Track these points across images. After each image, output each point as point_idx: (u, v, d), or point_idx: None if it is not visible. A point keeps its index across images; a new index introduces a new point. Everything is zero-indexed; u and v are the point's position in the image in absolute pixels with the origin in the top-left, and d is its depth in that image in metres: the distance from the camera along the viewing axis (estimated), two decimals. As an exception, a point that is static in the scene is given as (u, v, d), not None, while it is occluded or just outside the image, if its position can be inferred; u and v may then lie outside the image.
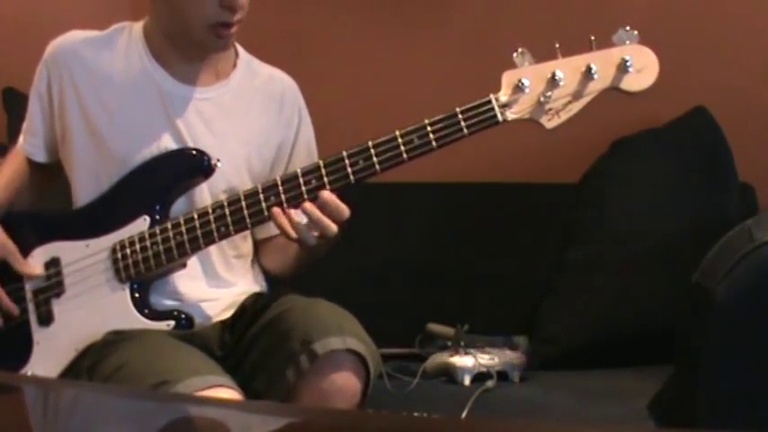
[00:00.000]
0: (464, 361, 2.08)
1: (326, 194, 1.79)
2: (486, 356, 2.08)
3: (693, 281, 1.74)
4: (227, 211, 1.84)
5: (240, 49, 2.05)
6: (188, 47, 1.95)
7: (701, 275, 1.73)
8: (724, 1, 2.53)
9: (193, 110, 1.96)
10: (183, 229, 1.86)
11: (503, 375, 2.08)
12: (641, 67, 1.75)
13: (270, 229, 2.00)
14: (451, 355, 2.10)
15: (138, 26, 2.01)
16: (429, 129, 1.77)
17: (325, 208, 1.79)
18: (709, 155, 2.33)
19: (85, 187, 1.96)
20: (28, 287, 1.95)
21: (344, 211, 1.79)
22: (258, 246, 2.07)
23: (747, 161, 2.35)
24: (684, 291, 1.79)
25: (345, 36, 2.77)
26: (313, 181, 1.80)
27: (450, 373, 2.09)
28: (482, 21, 2.68)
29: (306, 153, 2.05)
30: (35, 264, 1.95)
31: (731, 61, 2.50)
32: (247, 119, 2.00)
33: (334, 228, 1.79)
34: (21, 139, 2.06)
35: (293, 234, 1.80)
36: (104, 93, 1.95)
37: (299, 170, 1.82)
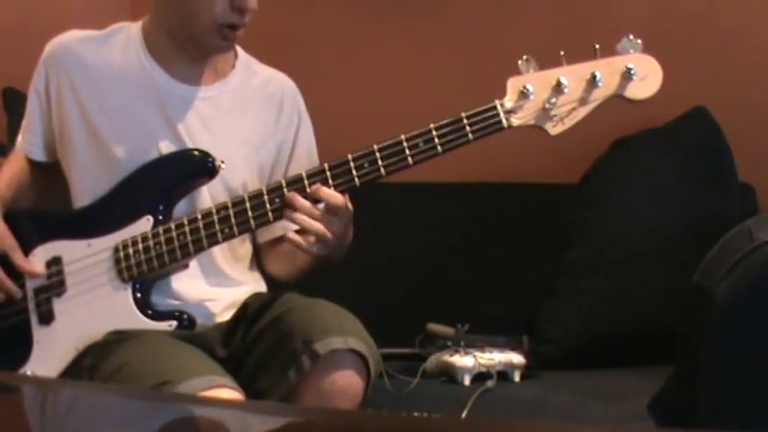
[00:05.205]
0: (464, 361, 2.08)
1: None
2: (486, 356, 2.08)
3: (693, 281, 1.74)
4: (231, 213, 1.84)
5: (239, 49, 2.04)
6: (189, 46, 1.95)
7: (701, 275, 1.73)
8: (724, 2, 2.53)
9: (191, 109, 1.95)
10: (187, 229, 1.86)
11: (503, 375, 2.07)
12: (645, 75, 1.77)
13: (273, 232, 1.99)
14: (451, 355, 2.10)
15: (136, 26, 2.01)
16: (434, 133, 1.78)
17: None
18: (709, 155, 2.33)
19: (83, 186, 1.96)
20: (29, 285, 1.95)
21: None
22: (261, 250, 2.06)
23: (747, 161, 2.35)
24: (684, 291, 1.79)
25: (347, 36, 2.77)
26: (318, 184, 1.80)
27: (450, 373, 2.09)
28: (486, 22, 2.68)
29: (307, 155, 2.04)
30: (36, 262, 1.95)
31: (731, 61, 2.50)
32: (245, 119, 2.00)
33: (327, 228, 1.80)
34: (20, 137, 2.06)
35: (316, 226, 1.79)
36: (102, 91, 1.95)
37: (303, 173, 1.82)
